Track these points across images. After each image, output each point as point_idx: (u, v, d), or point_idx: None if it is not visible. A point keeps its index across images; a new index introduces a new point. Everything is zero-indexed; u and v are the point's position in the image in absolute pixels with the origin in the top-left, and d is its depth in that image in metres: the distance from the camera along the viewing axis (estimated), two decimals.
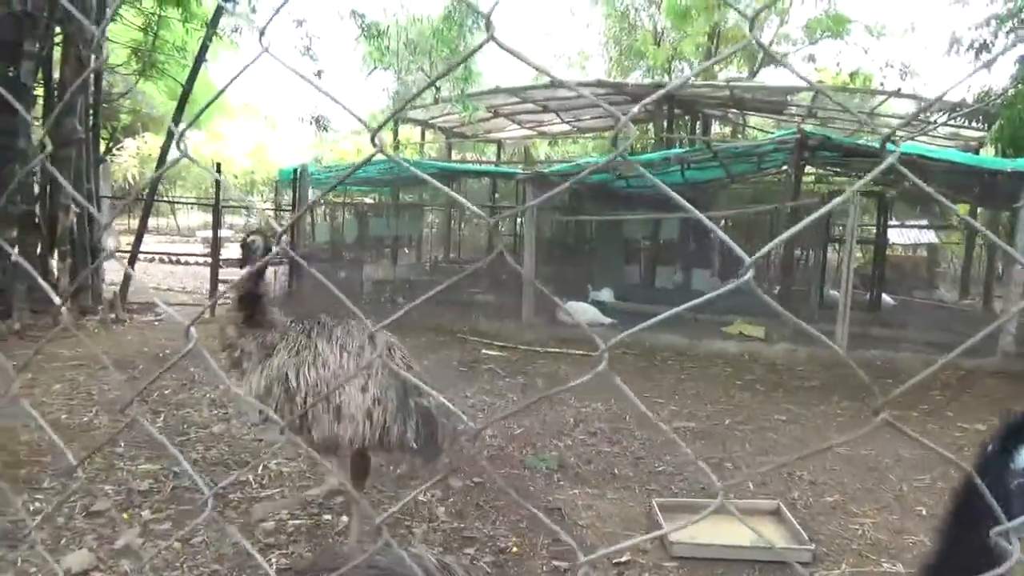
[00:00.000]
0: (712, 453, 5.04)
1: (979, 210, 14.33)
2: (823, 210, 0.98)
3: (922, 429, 5.66)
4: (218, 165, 11.45)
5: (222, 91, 1.22)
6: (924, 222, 17.26)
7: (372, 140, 0.84)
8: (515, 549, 3.52)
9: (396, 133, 18.30)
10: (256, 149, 28.20)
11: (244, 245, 3.49)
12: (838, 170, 13.43)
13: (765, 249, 0.71)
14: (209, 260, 11.83)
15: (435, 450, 3.05)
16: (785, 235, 0.84)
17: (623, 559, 3.42)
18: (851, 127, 15.64)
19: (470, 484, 4.26)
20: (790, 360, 8.44)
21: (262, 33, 0.85)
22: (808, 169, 13.33)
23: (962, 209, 16.25)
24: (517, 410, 5.96)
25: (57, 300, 1.16)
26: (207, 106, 1.23)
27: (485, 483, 4.26)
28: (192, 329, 0.99)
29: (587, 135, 22.52)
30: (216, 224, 11.31)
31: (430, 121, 18.16)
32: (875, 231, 13.87)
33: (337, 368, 2.99)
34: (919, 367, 7.71)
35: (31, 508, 3.68)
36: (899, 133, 14.87)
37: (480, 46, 0.82)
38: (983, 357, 8.12)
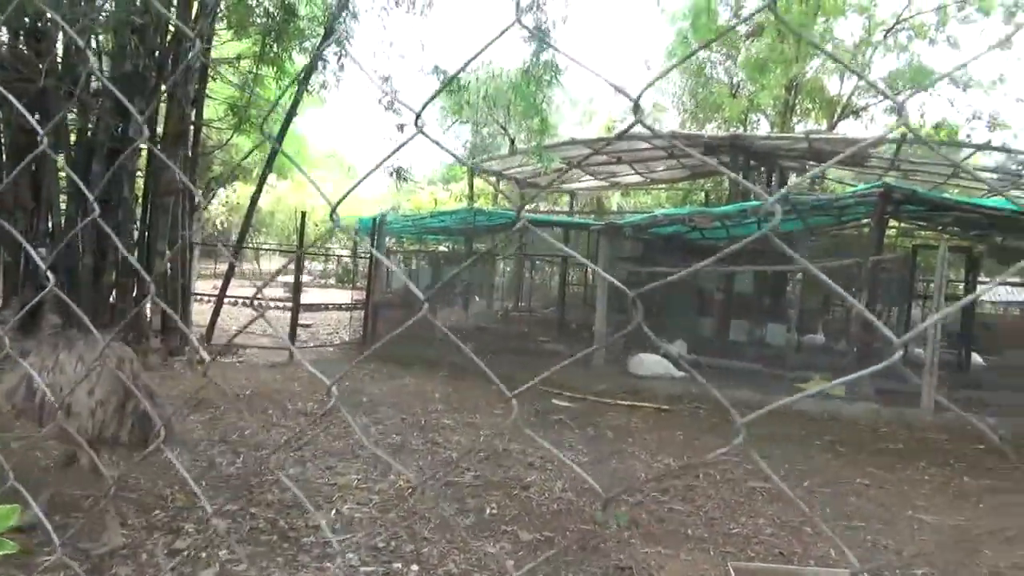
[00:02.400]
0: (790, 517, 4.86)
1: None
2: None
3: (1021, 500, 5.34)
4: (303, 214, 11.91)
5: (367, 176, 1.24)
6: (1017, 279, 16.44)
7: (518, 214, 0.91)
8: None
9: (472, 184, 18.72)
10: (335, 196, 29.24)
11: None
12: (923, 223, 13.01)
13: (923, 326, 0.73)
14: (290, 304, 12.25)
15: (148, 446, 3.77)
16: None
17: None
18: (936, 179, 15.19)
19: (539, 538, 4.22)
20: (873, 420, 8.11)
21: (418, 116, 0.93)
22: (891, 222, 12.97)
23: None
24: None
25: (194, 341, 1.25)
26: (351, 190, 1.28)
27: (555, 538, 4.22)
28: (334, 388, 1.06)
29: (660, 186, 22.51)
30: (298, 270, 11.73)
31: (504, 172, 18.52)
32: (963, 288, 13.28)
33: (73, 374, 3.60)
34: (1015, 433, 7.29)
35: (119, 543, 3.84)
36: (986, 187, 14.36)
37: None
38: None
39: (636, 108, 0.79)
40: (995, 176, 15.15)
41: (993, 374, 11.69)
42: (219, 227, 24.50)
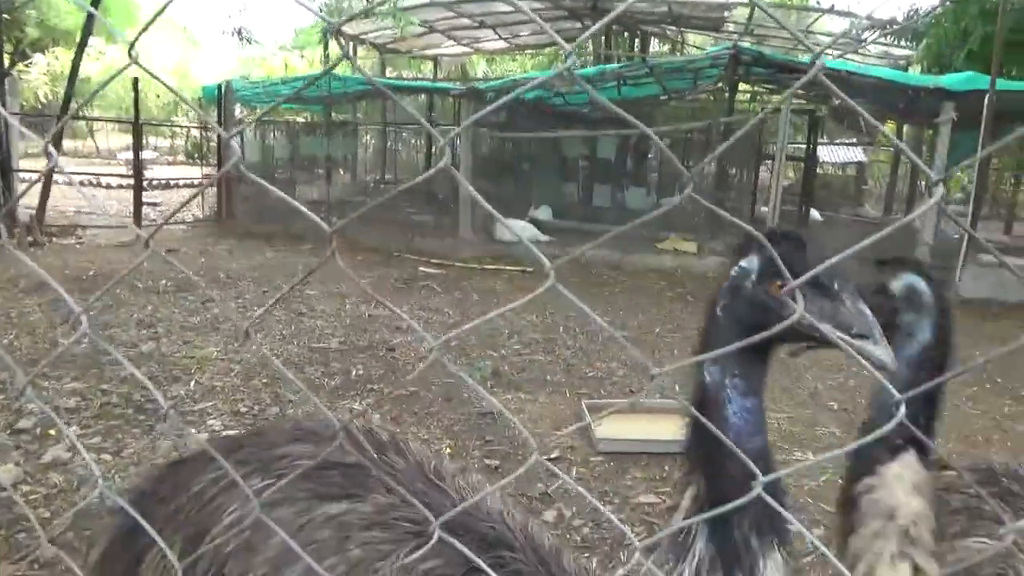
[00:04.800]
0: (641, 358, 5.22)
1: (904, 127, 14.75)
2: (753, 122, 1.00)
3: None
4: (135, 80, 10.78)
5: None
6: (853, 140, 17.69)
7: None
8: (448, 451, 3.62)
9: (326, 48, 17.59)
10: (177, 66, 26.75)
11: None
12: (772, 87, 13.56)
13: (705, 162, 0.73)
14: (132, 183, 11.37)
15: None
16: (720, 149, 0.86)
17: (553, 455, 3.57)
18: (787, 45, 15.73)
19: (405, 393, 4.33)
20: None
21: None
22: (743, 87, 13.43)
23: (888, 126, 16.70)
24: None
25: None
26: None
27: (420, 391, 4.34)
28: (151, 241, 0.96)
29: (526, 52, 22.07)
30: (137, 146, 10.81)
31: (362, 36, 17.47)
32: (805, 149, 14.14)
33: None
34: None
35: None
36: (831, 51, 15.04)
37: None
38: None
39: None
40: (839, 40, 15.87)
41: (828, 228, 12.74)
42: (43, 100, 21.93)
